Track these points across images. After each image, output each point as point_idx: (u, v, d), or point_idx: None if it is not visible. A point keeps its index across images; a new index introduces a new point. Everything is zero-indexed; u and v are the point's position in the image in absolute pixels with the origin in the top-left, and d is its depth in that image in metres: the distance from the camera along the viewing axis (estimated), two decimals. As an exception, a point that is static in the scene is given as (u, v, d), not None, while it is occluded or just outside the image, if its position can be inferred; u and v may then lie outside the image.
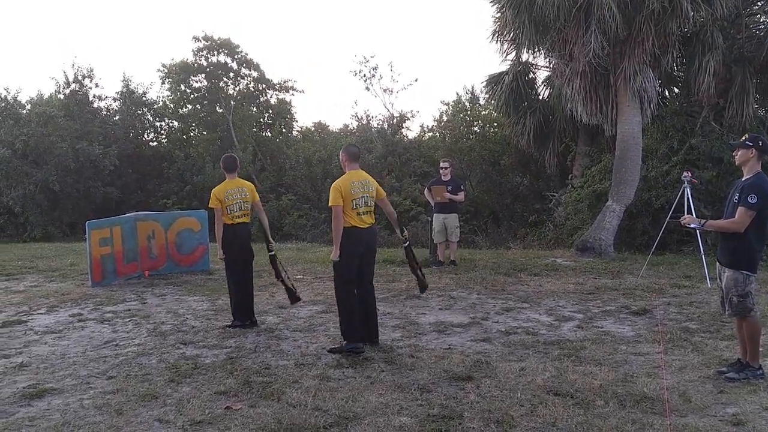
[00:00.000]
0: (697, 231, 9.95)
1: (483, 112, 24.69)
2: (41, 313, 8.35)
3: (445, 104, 26.39)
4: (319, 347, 6.52)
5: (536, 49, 15.00)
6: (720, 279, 5.45)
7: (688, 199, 10.15)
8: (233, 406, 4.84)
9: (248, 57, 26.38)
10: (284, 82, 27.35)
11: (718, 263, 5.51)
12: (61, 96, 24.89)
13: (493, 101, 19.57)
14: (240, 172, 22.61)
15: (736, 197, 5.20)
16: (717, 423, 4.42)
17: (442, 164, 12.10)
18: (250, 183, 8.06)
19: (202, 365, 5.93)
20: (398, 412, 4.72)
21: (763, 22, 15.09)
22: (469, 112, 25.34)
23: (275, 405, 4.87)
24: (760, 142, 5.20)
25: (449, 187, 11.70)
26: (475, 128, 24.32)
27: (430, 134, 25.67)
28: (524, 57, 16.49)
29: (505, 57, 16.32)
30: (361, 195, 6.39)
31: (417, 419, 4.56)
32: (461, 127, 24.01)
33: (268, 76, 27.21)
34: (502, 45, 15.75)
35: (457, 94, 32.67)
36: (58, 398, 5.09)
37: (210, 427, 4.47)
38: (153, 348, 6.58)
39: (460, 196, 11.88)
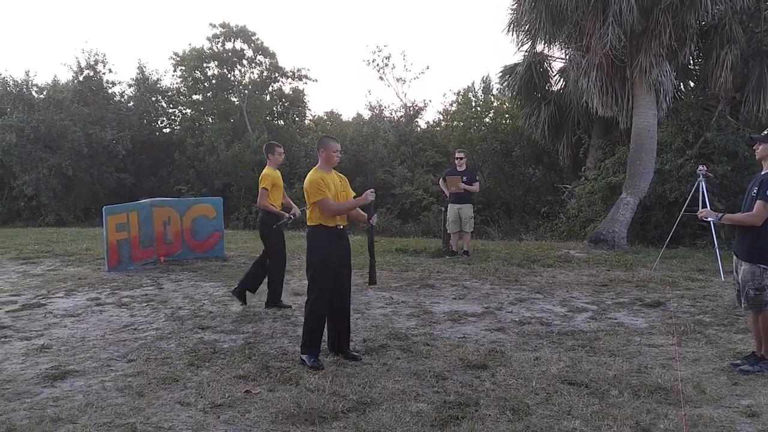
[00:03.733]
0: (712, 225, 9.96)
1: (495, 103, 24.66)
2: (59, 297, 8.45)
3: (455, 93, 26.38)
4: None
5: (552, 41, 14.96)
6: (736, 272, 5.48)
7: (703, 192, 10.14)
8: (252, 390, 4.92)
9: (264, 44, 26.42)
10: (298, 70, 27.37)
11: (734, 256, 5.53)
12: (76, 82, 25.02)
13: (507, 92, 19.57)
14: (252, 156, 22.72)
15: (755, 191, 5.20)
16: (731, 414, 4.46)
17: (457, 155, 12.12)
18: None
19: (221, 350, 6.01)
20: (415, 398, 4.79)
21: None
22: (482, 103, 25.33)
23: (294, 389, 4.94)
24: (783, 137, 5.21)
25: (464, 178, 11.74)
26: (486, 119, 24.29)
27: (445, 124, 25.65)
28: (539, 48, 16.45)
29: (520, 48, 16.33)
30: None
31: (434, 406, 4.62)
32: (471, 119, 24.00)
33: (281, 64, 27.27)
34: (517, 36, 15.74)
35: (467, 86, 32.66)
36: (80, 380, 5.18)
37: (230, 409, 4.55)
38: (171, 332, 6.67)
39: (475, 187, 11.93)
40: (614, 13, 12.32)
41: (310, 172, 5.76)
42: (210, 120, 26.40)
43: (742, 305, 5.44)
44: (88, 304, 8.03)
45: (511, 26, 15.72)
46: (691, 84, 16.85)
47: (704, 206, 9.67)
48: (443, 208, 12.56)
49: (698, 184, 10.31)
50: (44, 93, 24.49)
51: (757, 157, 5.40)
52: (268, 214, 7.84)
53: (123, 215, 10.69)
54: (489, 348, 6.09)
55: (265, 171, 8.05)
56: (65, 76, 26.54)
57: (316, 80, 33.42)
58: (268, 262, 7.93)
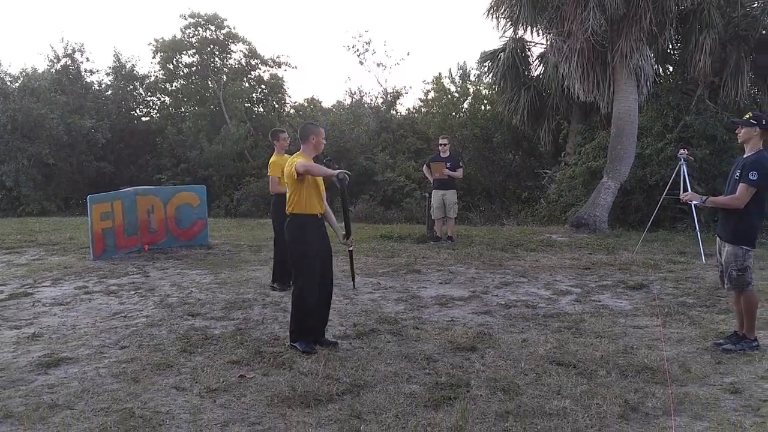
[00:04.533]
0: (693, 208, 10.14)
1: (472, 90, 24.77)
2: (46, 286, 8.41)
3: (429, 83, 26.57)
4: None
5: (533, 26, 15.01)
6: (720, 254, 5.60)
7: (684, 176, 10.28)
8: (246, 375, 4.97)
9: (235, 31, 26.33)
10: (277, 57, 27.30)
11: (718, 238, 5.66)
12: (53, 70, 24.78)
13: (487, 78, 19.64)
14: (233, 147, 22.65)
15: (738, 174, 5.32)
16: (716, 391, 4.59)
17: (441, 141, 12.18)
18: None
19: (212, 336, 6.04)
20: (407, 380, 4.87)
21: (758, 0, 15.13)
22: (458, 90, 25.43)
23: (287, 373, 5.00)
24: (764, 121, 5.32)
25: (448, 164, 11.80)
26: (464, 105, 24.40)
27: (425, 110, 25.75)
28: (520, 33, 16.51)
29: (503, 33, 16.38)
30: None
31: (426, 387, 4.71)
32: (449, 105, 24.11)
33: (260, 51, 27.19)
34: (498, 21, 15.78)
35: (440, 73, 32.72)
36: (74, 367, 5.19)
37: (226, 394, 4.59)
38: (162, 319, 6.68)
39: (459, 173, 11.99)
40: (596, -3, 12.42)
41: (294, 156, 5.74)
42: (188, 108, 26.26)
43: (725, 286, 5.58)
44: (76, 292, 8.00)
45: (491, 11, 15.76)
46: (671, 69, 17.01)
47: (686, 190, 9.82)
48: (427, 195, 12.63)
49: (680, 168, 10.45)
50: (18, 82, 24.18)
51: (739, 140, 5.52)
52: (279, 200, 7.75)
53: (107, 204, 10.64)
54: (477, 330, 6.18)
55: (272, 159, 8.18)
56: (42, 65, 26.37)
57: (296, 67, 33.42)
58: (276, 244, 8.06)
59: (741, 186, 5.23)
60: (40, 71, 25.30)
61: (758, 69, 14.61)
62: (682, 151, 10.56)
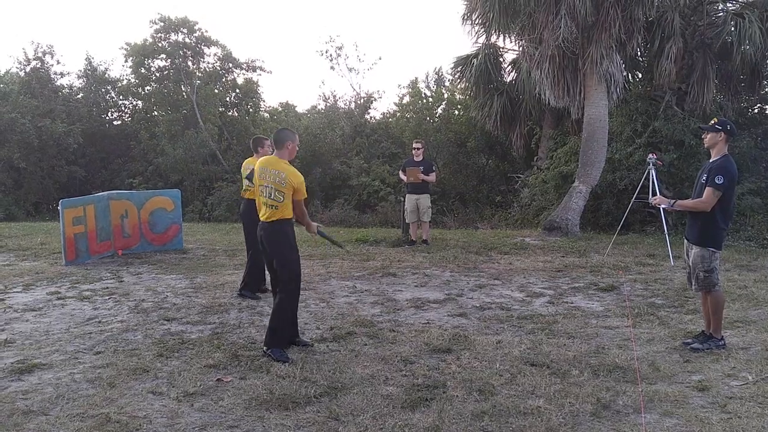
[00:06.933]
0: (662, 211, 10.34)
1: (446, 95, 24.93)
2: (17, 292, 8.31)
3: (404, 87, 26.69)
4: (301, 323, 6.64)
5: (505, 32, 15.17)
6: (687, 256, 5.75)
7: (653, 180, 10.47)
8: (224, 379, 4.98)
9: (207, 35, 26.19)
10: (251, 61, 27.21)
11: (686, 240, 5.80)
12: (22, 73, 24.47)
13: (460, 83, 19.79)
14: (205, 150, 22.26)
15: (704, 178, 5.47)
16: (684, 389, 4.71)
17: (414, 145, 12.26)
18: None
19: (189, 340, 6.04)
20: (384, 382, 4.92)
21: (722, 9, 15.47)
22: (433, 95, 25.57)
23: (265, 377, 5.02)
24: (728, 126, 5.50)
25: (421, 168, 11.89)
26: (438, 111, 24.56)
27: (399, 115, 25.84)
28: (493, 39, 16.67)
29: (476, 40, 16.50)
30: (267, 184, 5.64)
31: (403, 388, 4.76)
32: (423, 110, 24.25)
33: (234, 55, 27.07)
34: (472, 27, 15.91)
35: (416, 77, 32.86)
36: (48, 373, 5.15)
37: (203, 398, 4.61)
38: (137, 324, 6.65)
39: (432, 177, 12.08)
40: (567, 5, 12.57)
41: (290, 168, 5.61)
42: (161, 112, 26.07)
43: (693, 287, 5.73)
44: (48, 298, 7.93)
45: (466, 17, 15.89)
46: (639, 75, 17.29)
47: (654, 193, 10.00)
48: (402, 199, 12.71)
49: (648, 172, 10.64)
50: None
51: (705, 145, 5.68)
52: (249, 204, 7.68)
53: (80, 208, 10.54)
54: (452, 333, 6.25)
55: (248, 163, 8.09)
56: (6, 67, 26.11)
57: (271, 72, 33.34)
58: (250, 252, 7.98)
59: (708, 190, 5.38)
60: (11, 72, 24.98)
61: None
62: (651, 155, 10.76)
